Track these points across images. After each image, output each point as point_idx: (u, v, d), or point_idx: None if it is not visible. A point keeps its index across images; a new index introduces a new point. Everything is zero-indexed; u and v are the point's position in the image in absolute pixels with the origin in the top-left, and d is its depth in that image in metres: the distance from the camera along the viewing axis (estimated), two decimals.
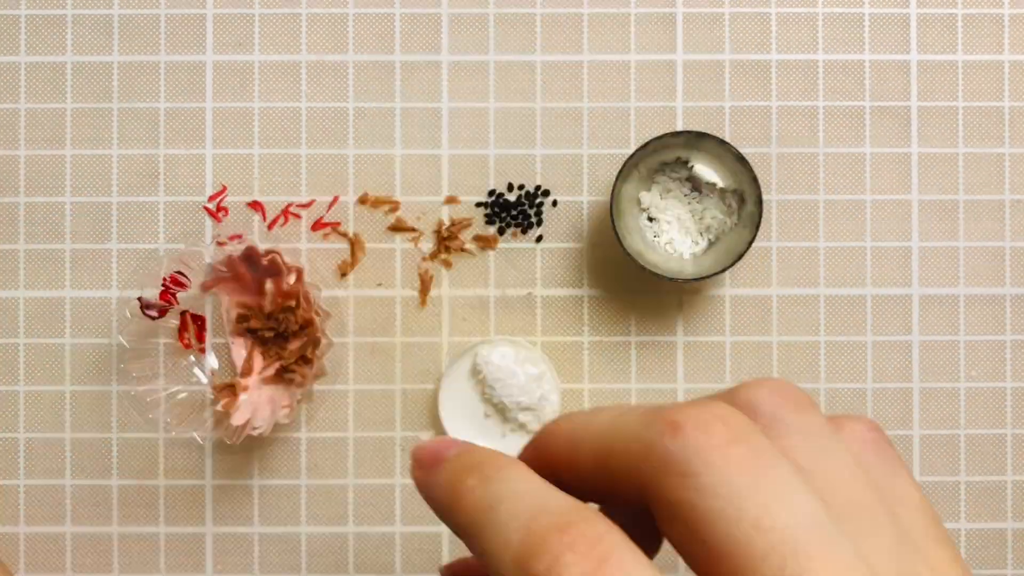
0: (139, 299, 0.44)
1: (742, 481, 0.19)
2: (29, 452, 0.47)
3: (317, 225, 0.47)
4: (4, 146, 0.47)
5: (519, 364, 0.45)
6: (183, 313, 0.46)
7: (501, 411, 0.46)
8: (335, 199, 0.47)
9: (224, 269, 0.44)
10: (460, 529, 0.23)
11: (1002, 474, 0.47)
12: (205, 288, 0.45)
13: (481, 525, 0.21)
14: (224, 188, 0.47)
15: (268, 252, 0.44)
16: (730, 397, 0.22)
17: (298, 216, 0.47)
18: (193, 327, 0.45)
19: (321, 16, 0.47)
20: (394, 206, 0.47)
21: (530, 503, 0.21)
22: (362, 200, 0.47)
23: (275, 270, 0.44)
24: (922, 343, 0.47)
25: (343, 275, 0.47)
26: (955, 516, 0.47)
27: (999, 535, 0.47)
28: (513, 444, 0.46)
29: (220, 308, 0.46)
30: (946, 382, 0.47)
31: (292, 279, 0.44)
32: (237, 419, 0.43)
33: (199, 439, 0.45)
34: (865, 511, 0.20)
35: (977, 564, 0.47)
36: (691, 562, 0.20)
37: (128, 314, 0.44)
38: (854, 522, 0.20)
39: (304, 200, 0.47)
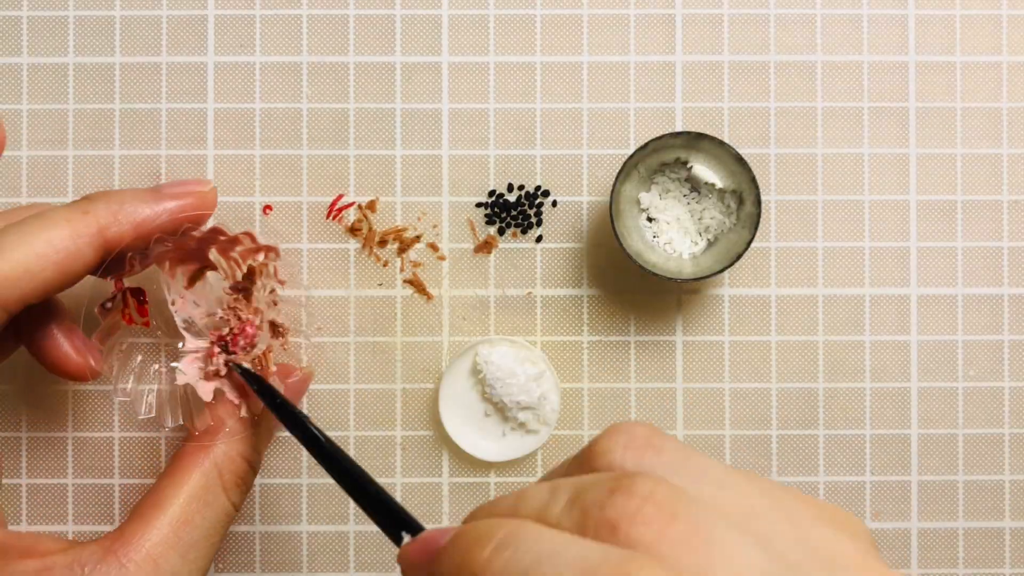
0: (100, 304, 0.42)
1: (692, 564, 0.19)
2: (31, 452, 0.47)
3: (332, 212, 0.47)
4: (6, 147, 0.47)
5: (519, 363, 0.45)
6: (123, 291, 0.42)
7: (501, 410, 0.46)
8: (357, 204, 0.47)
9: (168, 244, 0.41)
10: None
11: (1000, 473, 0.47)
12: (146, 264, 0.41)
13: None
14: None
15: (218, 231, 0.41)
16: (593, 453, 0.23)
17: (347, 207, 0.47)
18: (133, 301, 0.42)
19: (322, 17, 0.48)
20: (399, 236, 0.47)
21: (573, 557, 0.20)
22: (371, 207, 0.47)
23: (220, 236, 0.41)
24: (920, 343, 0.47)
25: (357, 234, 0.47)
26: (953, 515, 0.47)
27: (997, 534, 0.47)
28: (513, 443, 0.46)
29: (167, 284, 0.42)
30: (944, 382, 0.47)
31: (243, 246, 0.41)
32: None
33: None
34: (758, 516, 0.21)
35: (975, 563, 0.47)
36: None
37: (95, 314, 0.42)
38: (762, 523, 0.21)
39: (312, 199, 0.47)
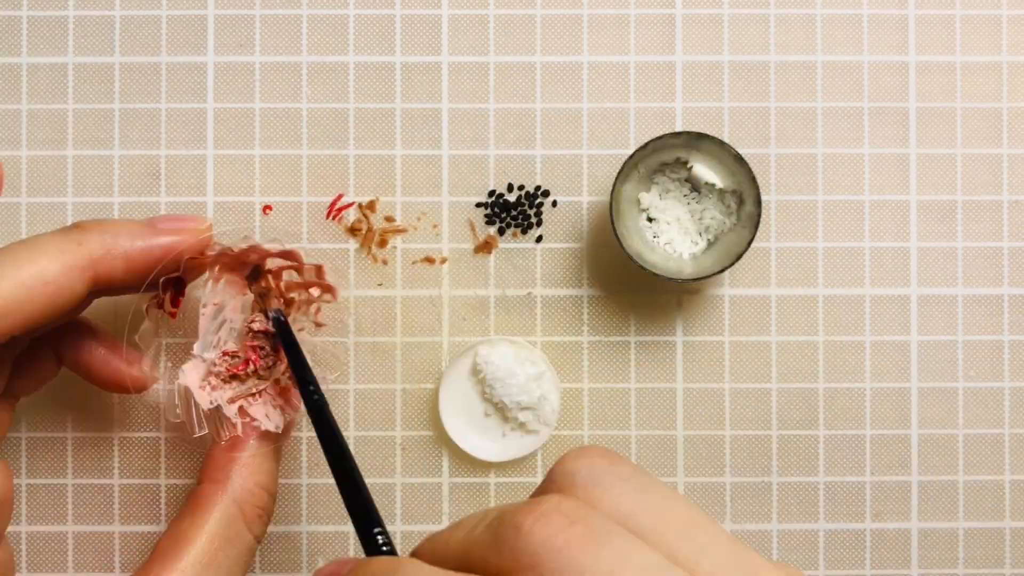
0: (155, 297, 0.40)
1: (586, 558, 0.21)
2: (31, 451, 0.47)
3: (332, 212, 0.47)
4: (6, 147, 0.47)
5: (519, 364, 0.45)
6: (163, 280, 0.40)
7: (501, 410, 0.46)
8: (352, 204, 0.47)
9: (229, 250, 0.41)
10: None
11: (1000, 474, 0.47)
12: (203, 264, 0.41)
13: None
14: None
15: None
16: (551, 479, 0.25)
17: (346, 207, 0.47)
18: (170, 293, 0.40)
19: (322, 17, 0.48)
20: (397, 228, 0.47)
21: None
22: (371, 207, 0.47)
23: (289, 260, 0.42)
24: (920, 343, 0.47)
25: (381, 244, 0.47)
26: (953, 516, 0.47)
27: (997, 534, 0.47)
28: (513, 443, 0.46)
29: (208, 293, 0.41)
30: (944, 382, 0.47)
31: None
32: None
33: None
34: (697, 525, 0.23)
35: (975, 564, 0.47)
36: None
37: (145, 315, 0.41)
38: (693, 539, 0.22)
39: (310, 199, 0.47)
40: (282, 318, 0.41)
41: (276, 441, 0.41)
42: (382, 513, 0.47)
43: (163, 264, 0.38)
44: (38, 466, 0.47)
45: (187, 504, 0.39)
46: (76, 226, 0.37)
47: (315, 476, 0.47)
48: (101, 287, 0.37)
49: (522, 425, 0.46)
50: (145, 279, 0.38)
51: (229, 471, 0.39)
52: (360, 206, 0.47)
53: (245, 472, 0.39)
